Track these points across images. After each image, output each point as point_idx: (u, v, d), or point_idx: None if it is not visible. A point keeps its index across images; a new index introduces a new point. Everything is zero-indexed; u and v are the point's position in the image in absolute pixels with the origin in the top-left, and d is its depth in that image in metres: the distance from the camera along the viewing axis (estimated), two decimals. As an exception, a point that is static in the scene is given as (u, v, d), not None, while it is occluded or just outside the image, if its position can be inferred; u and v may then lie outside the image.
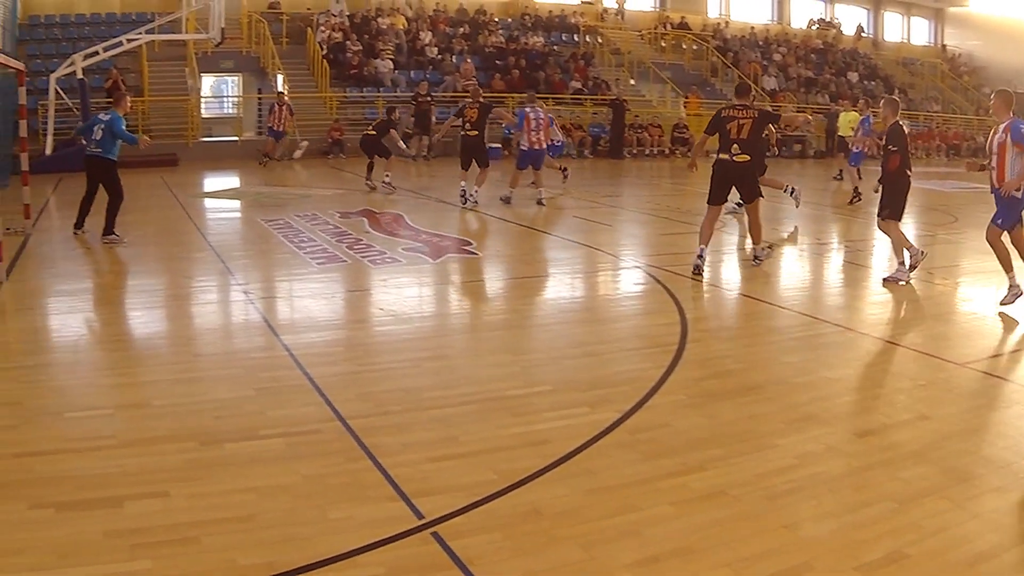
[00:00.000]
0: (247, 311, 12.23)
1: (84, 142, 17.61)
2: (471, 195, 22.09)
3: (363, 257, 15.19)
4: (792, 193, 21.13)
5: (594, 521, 6.01)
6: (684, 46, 50.27)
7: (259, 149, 32.83)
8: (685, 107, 43.67)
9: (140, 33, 34.02)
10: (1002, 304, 12.14)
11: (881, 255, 15.21)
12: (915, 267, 13.83)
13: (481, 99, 23.37)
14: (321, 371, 9.18)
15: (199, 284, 13.97)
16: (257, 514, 6.14)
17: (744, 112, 13.99)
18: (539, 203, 22.08)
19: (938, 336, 11.19)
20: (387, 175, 25.67)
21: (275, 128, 33.09)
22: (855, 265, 15.67)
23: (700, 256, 13.80)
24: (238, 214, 22.33)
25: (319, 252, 15.62)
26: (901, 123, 13.84)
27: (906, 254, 13.65)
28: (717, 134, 14.28)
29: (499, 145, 35.80)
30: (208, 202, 24.49)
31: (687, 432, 7.61)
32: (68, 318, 12.07)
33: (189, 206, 22.74)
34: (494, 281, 14.40)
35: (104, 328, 11.79)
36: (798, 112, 39.60)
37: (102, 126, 17.22)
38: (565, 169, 26.92)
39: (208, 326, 11.83)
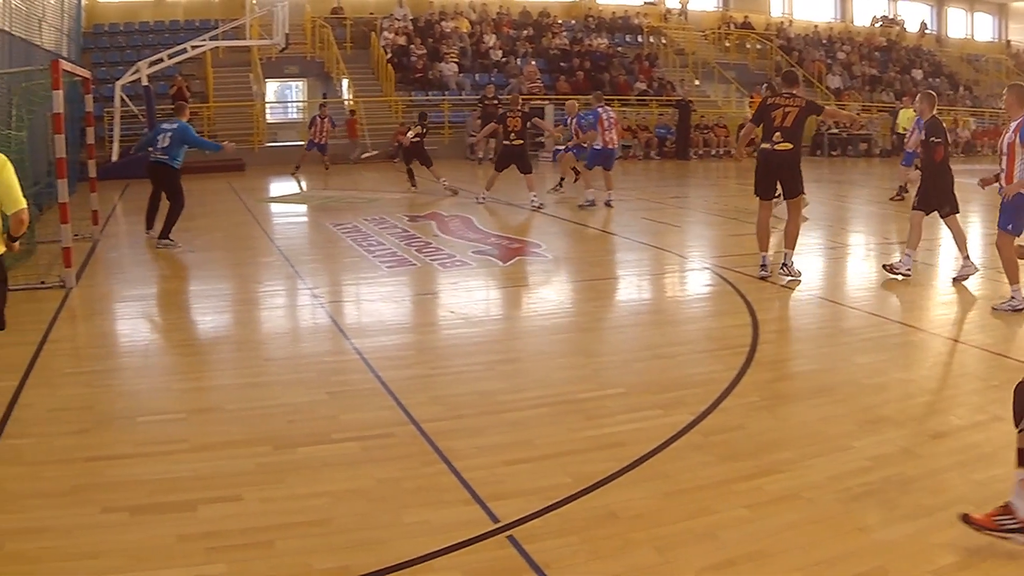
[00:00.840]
0: (317, 315, 12.30)
1: (151, 149, 17.81)
2: (532, 200, 22.28)
3: (432, 260, 15.28)
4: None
5: (669, 524, 5.99)
6: (748, 45, 50.06)
7: (294, 163, 31.96)
8: (751, 107, 43.31)
9: (204, 40, 34.34)
10: (995, 308, 11.97)
11: (948, 254, 15.08)
12: (894, 271, 13.86)
13: (521, 107, 23.71)
14: (393, 375, 9.22)
15: (268, 289, 14.10)
16: (332, 518, 6.17)
17: (791, 101, 13.52)
18: (607, 204, 22.00)
19: (1009, 336, 11.04)
20: (444, 180, 26.01)
21: (316, 141, 32.13)
22: (922, 264, 15.49)
23: (763, 266, 13.69)
24: (306, 218, 22.54)
25: (388, 255, 15.70)
26: (939, 116, 13.72)
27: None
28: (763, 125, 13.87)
29: (562, 147, 35.75)
30: (275, 207, 24.76)
31: (760, 434, 7.59)
32: (138, 323, 12.26)
33: (256, 211, 22.99)
34: (564, 283, 14.39)
35: (174, 333, 11.90)
36: (862, 111, 39.44)
37: (169, 134, 17.42)
38: (562, 182, 26.15)
39: (278, 330, 11.94)
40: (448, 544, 5.74)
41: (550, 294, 13.63)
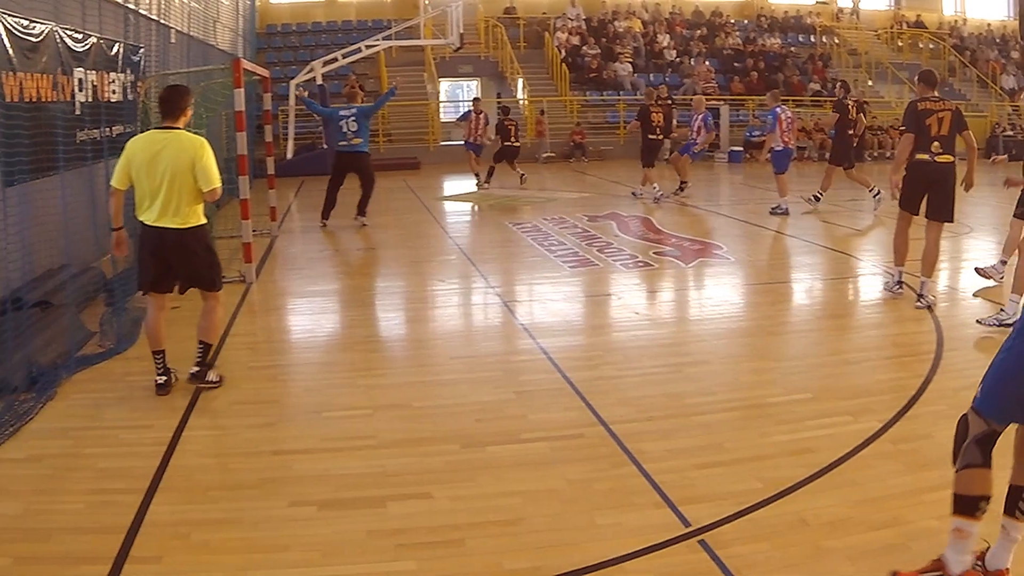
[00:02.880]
0: (501, 314, 12.43)
1: (329, 145, 18.57)
2: (639, 193, 23.54)
3: (615, 260, 15.33)
4: (876, 196, 21.35)
5: (860, 533, 5.95)
6: (920, 45, 49.00)
7: (476, 172, 28.97)
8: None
9: (378, 40, 34.78)
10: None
11: None
12: None
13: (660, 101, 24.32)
14: (580, 375, 9.27)
15: (450, 286, 14.27)
16: (523, 518, 6.23)
17: (941, 104, 12.09)
18: (781, 210, 21.52)
19: None
20: (522, 173, 27.66)
21: (472, 140, 28.68)
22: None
23: (899, 283, 12.72)
24: (485, 218, 22.72)
25: (570, 255, 15.80)
26: None
27: None
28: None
29: (740, 148, 35.54)
30: (452, 205, 24.99)
31: (949, 444, 7.35)
32: (318, 318, 12.52)
33: (433, 209, 23.32)
34: (746, 286, 14.26)
35: (355, 329, 12.11)
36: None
37: (351, 119, 18.19)
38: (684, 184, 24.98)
39: (463, 328, 12.14)
40: (640, 547, 5.77)
41: (733, 296, 13.50)
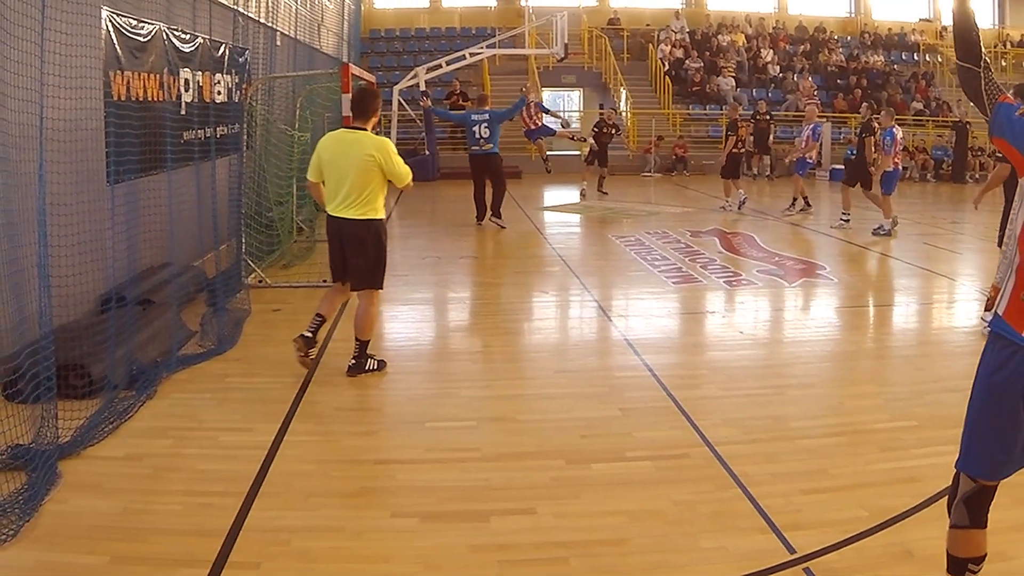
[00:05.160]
0: (606, 328, 12.44)
1: (470, 144, 19.17)
2: (735, 203, 24.08)
3: (718, 278, 15.27)
4: (888, 227, 20.83)
5: (965, 567, 5.88)
6: (1025, 65, 48.38)
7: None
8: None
9: (482, 48, 34.95)
10: None
11: None
12: None
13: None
14: (685, 394, 9.26)
15: (554, 298, 14.36)
16: (628, 538, 6.22)
17: None
18: (884, 231, 21.20)
19: None
20: (584, 185, 27.90)
21: (532, 128, 27.57)
22: None
23: None
24: (587, 230, 22.71)
25: (673, 271, 15.79)
26: None
27: None
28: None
29: (842, 166, 35.20)
30: (555, 216, 24.95)
31: (1056, 477, 7.41)
32: (421, 326, 12.73)
33: (536, 219, 23.35)
34: (851, 308, 14.07)
35: (458, 338, 12.32)
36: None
37: (484, 124, 18.85)
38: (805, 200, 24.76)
39: (566, 341, 12.17)
40: (745, 573, 5.75)
41: (836, 318, 13.36)
